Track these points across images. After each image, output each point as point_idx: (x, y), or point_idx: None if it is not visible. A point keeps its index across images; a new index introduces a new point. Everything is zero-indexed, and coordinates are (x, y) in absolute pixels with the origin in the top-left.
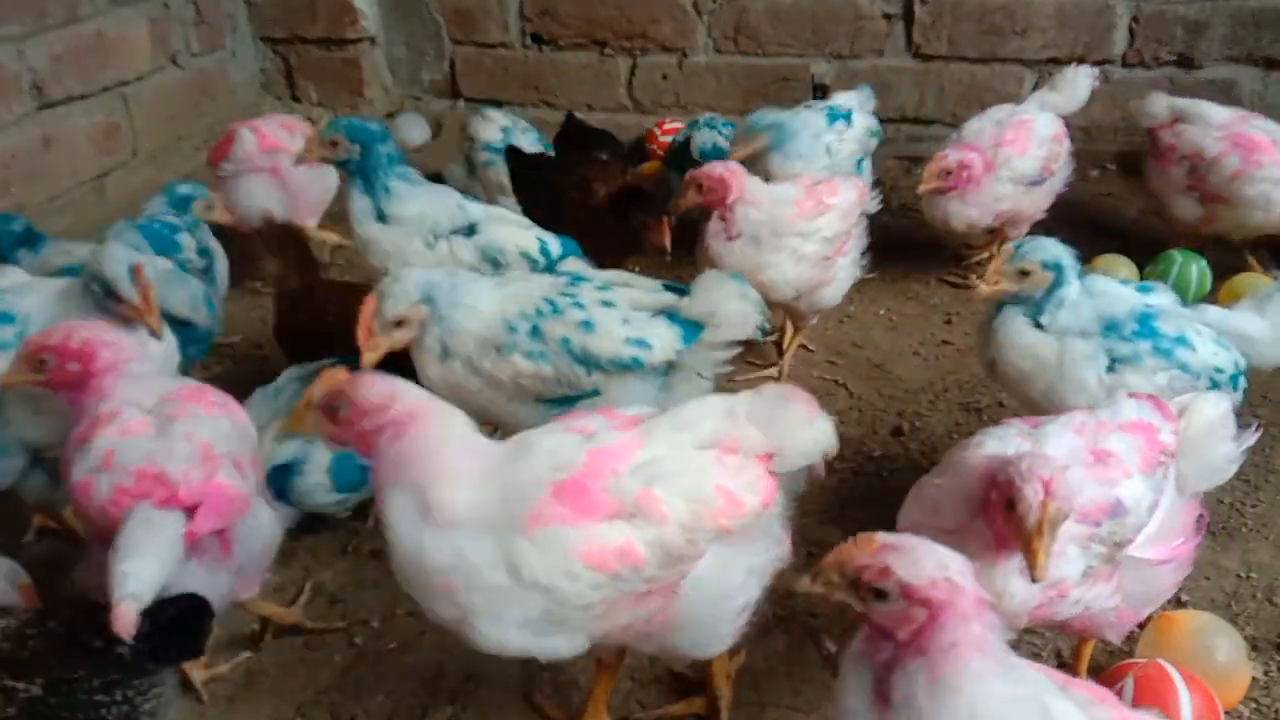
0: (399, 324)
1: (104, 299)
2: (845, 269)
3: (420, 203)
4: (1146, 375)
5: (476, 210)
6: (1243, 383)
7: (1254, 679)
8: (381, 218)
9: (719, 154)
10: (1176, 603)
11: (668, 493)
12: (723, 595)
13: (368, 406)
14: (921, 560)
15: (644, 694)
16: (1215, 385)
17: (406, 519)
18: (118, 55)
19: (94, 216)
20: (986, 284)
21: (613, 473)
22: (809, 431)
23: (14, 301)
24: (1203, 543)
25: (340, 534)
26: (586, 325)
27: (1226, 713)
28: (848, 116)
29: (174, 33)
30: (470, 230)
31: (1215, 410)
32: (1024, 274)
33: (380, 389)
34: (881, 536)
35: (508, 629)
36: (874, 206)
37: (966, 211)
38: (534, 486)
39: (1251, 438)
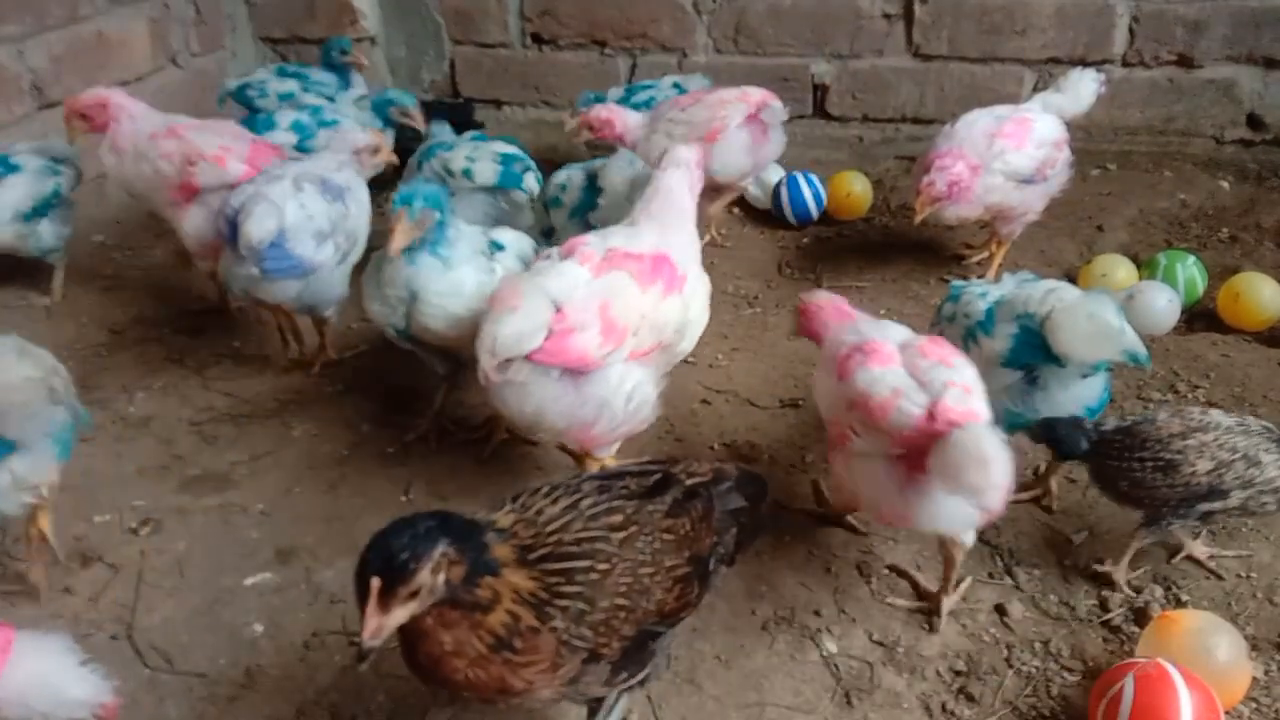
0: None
1: None
2: None
3: None
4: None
5: None
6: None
7: (1254, 679)
8: None
9: None
10: (1176, 603)
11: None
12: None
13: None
14: None
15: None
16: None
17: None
18: (118, 55)
19: (94, 217)
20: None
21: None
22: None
23: None
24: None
25: (341, 535)
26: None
27: (1226, 713)
28: None
29: (174, 33)
30: None
31: None
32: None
33: None
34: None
35: None
36: None
37: (958, 210)
38: None
39: None
